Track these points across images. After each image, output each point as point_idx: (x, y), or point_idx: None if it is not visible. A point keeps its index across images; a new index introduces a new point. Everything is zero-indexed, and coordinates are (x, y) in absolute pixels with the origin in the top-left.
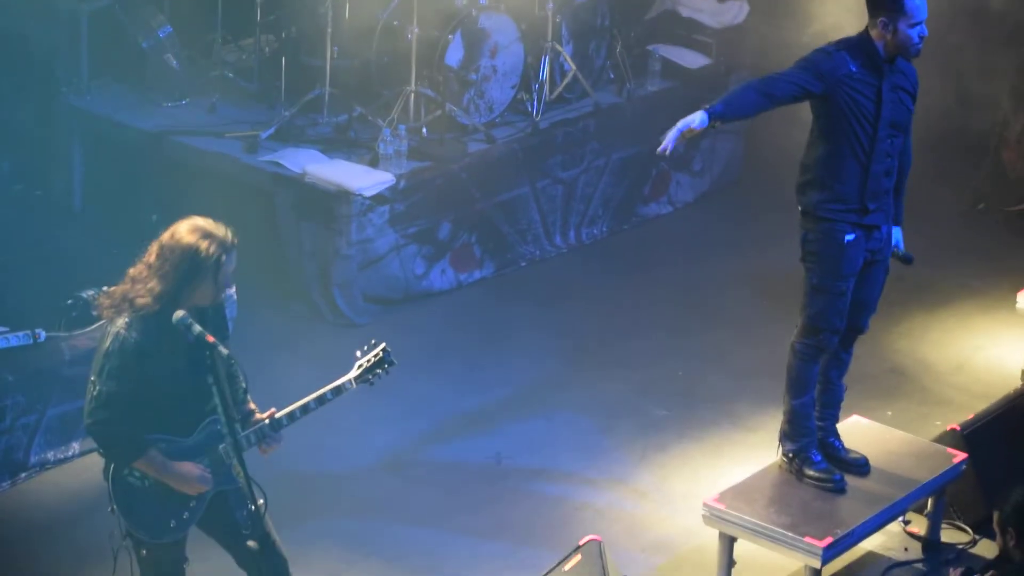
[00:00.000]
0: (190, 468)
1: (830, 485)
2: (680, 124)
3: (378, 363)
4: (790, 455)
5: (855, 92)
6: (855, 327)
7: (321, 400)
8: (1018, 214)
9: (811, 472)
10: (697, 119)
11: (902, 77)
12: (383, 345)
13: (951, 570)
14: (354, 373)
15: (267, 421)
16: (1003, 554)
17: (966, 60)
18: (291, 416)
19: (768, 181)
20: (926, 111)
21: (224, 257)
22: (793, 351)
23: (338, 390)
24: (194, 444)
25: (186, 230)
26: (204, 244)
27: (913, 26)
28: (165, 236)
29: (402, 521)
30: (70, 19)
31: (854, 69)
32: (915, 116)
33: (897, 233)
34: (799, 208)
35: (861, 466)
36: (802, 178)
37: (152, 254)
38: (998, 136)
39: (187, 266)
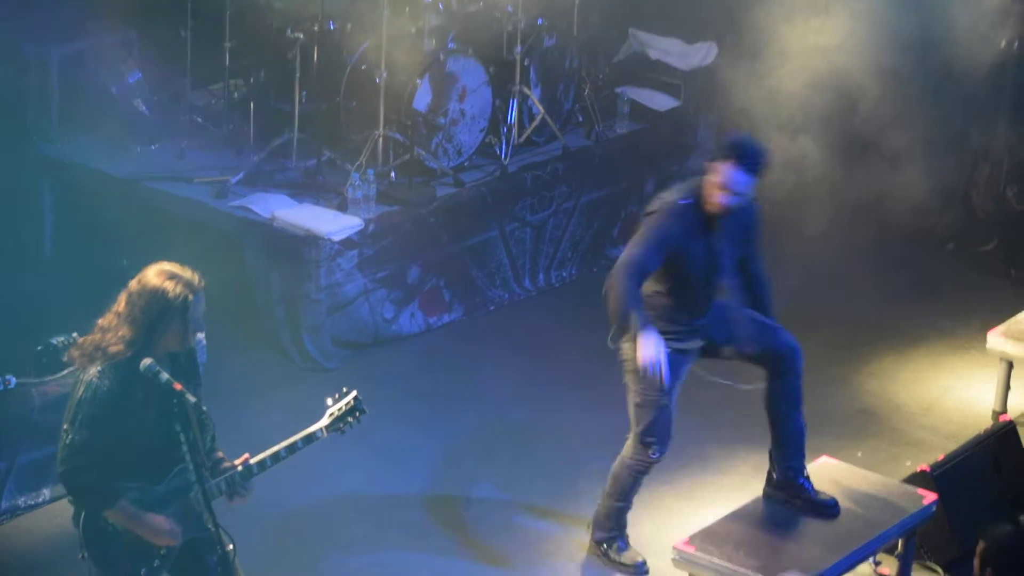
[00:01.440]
0: (160, 521)
1: (634, 572)
2: (653, 358)
3: (349, 411)
4: (600, 541)
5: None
6: (776, 353)
7: (292, 449)
8: (986, 254)
9: (618, 558)
10: (653, 338)
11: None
12: (354, 393)
13: None
14: (325, 422)
15: (238, 469)
16: None
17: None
18: (261, 465)
19: None
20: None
21: (191, 298)
22: (623, 463)
23: (309, 438)
24: (165, 492)
25: (153, 274)
26: (171, 286)
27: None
28: (133, 283)
29: (372, 566)
30: (39, 65)
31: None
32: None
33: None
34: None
35: (830, 507)
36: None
37: (121, 302)
38: (967, 178)
39: (156, 309)
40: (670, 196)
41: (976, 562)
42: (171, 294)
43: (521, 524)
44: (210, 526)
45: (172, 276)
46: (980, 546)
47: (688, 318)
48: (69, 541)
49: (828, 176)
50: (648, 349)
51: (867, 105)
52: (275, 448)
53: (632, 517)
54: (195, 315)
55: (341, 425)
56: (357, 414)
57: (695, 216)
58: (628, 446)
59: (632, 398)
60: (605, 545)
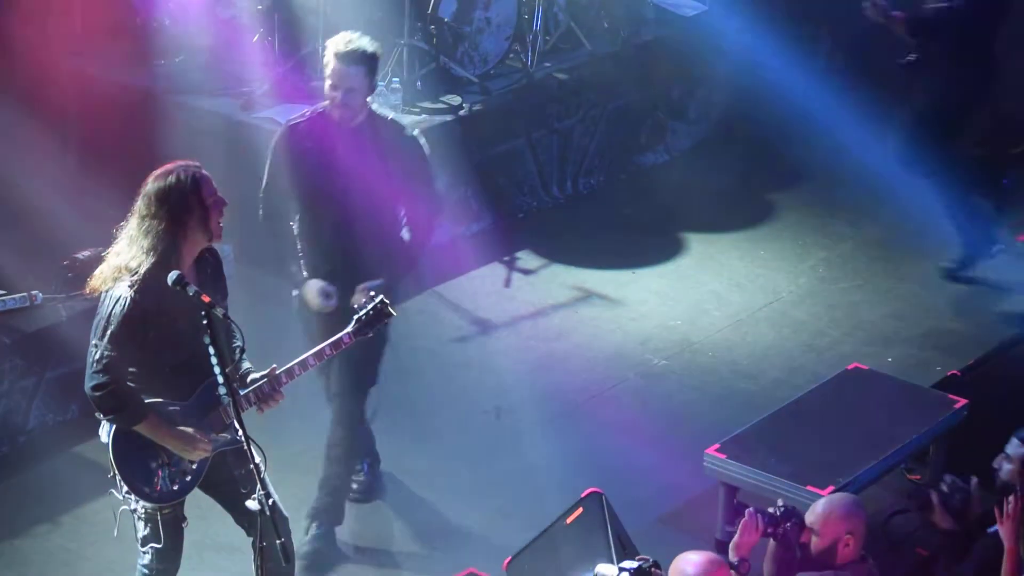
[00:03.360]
0: (191, 433)
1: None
2: None
3: (376, 316)
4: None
5: None
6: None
7: (319, 355)
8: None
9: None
10: None
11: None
12: (380, 298)
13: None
14: (351, 327)
15: (267, 379)
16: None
17: None
18: (289, 372)
19: (763, 128)
20: None
21: (196, 179)
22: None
23: (336, 344)
24: (193, 406)
25: (152, 178)
26: (171, 179)
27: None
28: (136, 199)
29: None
30: None
31: None
32: None
33: None
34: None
35: None
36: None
37: (132, 219)
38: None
39: (169, 205)
40: None
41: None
42: (175, 185)
43: (547, 430)
44: (240, 439)
45: (168, 170)
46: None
47: None
48: (97, 458)
49: None
50: None
51: None
52: (303, 356)
53: (664, 423)
54: (210, 192)
55: (369, 330)
56: (385, 319)
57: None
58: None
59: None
60: None
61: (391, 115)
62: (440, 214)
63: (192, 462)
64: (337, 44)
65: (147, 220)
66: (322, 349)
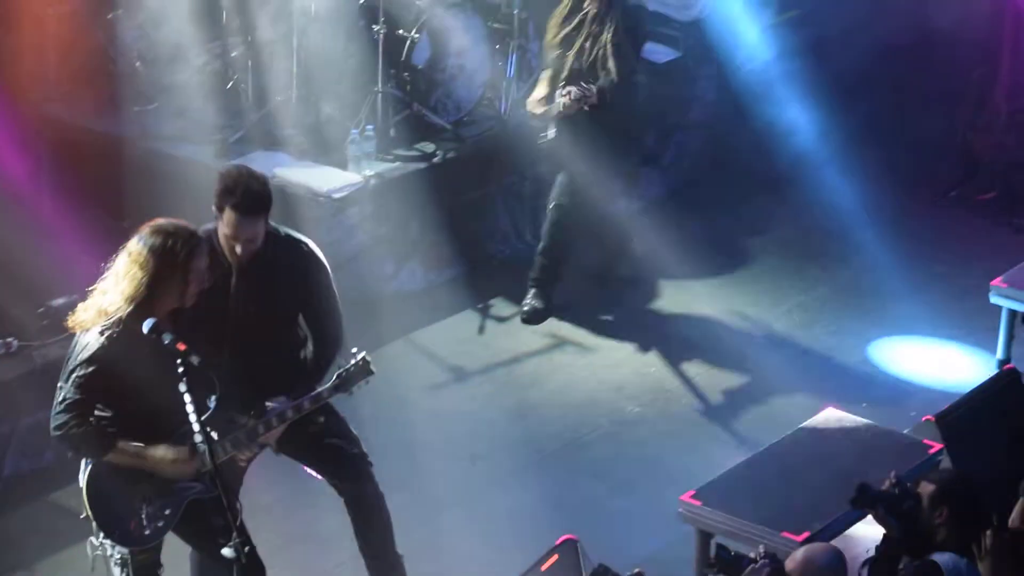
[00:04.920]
0: (164, 451)
1: None
2: None
3: (358, 373)
4: None
5: None
6: None
7: (298, 408)
8: (987, 202)
9: None
10: None
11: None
12: (363, 355)
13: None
14: (332, 382)
15: (244, 429)
16: (914, 526)
17: None
18: (267, 424)
19: (736, 173)
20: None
21: (192, 251)
22: None
23: (316, 398)
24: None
25: (151, 231)
26: (170, 240)
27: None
28: (131, 242)
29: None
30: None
31: None
32: None
33: None
34: None
35: None
36: None
37: (120, 262)
38: (969, 122)
39: (154, 264)
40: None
41: (926, 500)
42: (171, 248)
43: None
44: (216, 488)
45: (170, 231)
46: (928, 489)
47: None
48: (74, 504)
49: None
50: None
51: None
52: (280, 407)
53: (637, 469)
54: (197, 268)
55: (350, 387)
56: (367, 377)
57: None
58: None
59: None
60: None
61: (287, 233)
62: (338, 341)
63: (166, 507)
64: (233, 193)
65: (133, 267)
66: (301, 402)
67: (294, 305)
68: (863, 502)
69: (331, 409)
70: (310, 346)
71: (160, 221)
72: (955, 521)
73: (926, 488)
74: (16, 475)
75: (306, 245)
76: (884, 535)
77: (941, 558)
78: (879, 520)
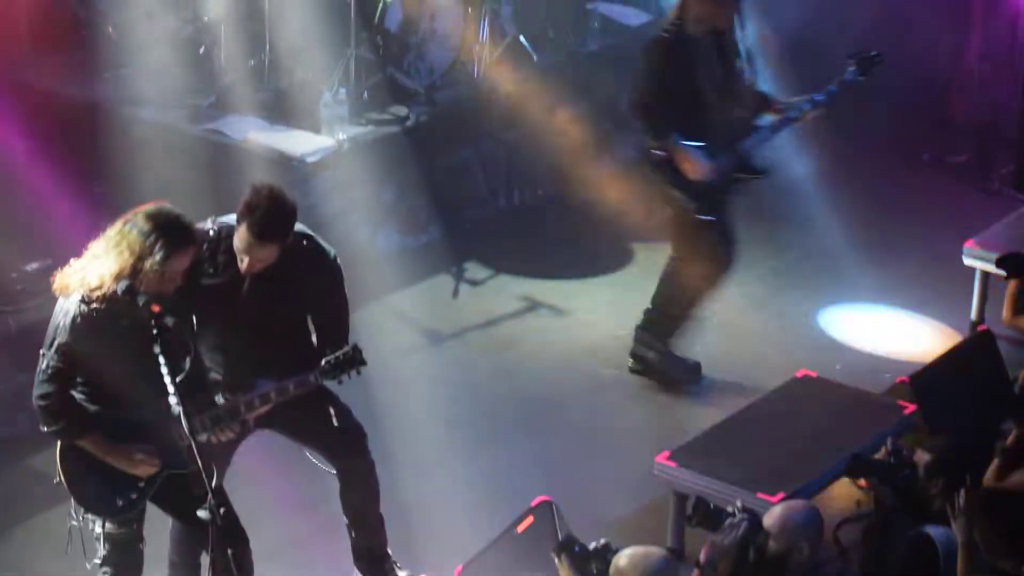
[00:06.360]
0: (135, 451)
1: None
2: None
3: (347, 362)
4: None
5: None
6: None
7: (282, 391)
8: (961, 164)
9: None
10: None
11: None
12: (353, 344)
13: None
14: (319, 368)
15: (223, 407)
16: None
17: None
18: (249, 404)
19: None
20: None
21: (169, 253)
22: None
23: (301, 383)
24: (147, 421)
25: (144, 216)
26: (153, 236)
27: None
28: (130, 215)
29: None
30: None
31: None
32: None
33: None
34: None
35: None
36: None
37: (112, 234)
38: (943, 83)
39: (138, 251)
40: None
41: (922, 468)
42: (152, 242)
43: (502, 439)
44: (193, 463)
45: (160, 223)
46: (924, 458)
47: None
48: (49, 470)
49: None
50: None
51: None
52: (264, 389)
53: (615, 433)
54: (172, 269)
55: (338, 375)
56: (357, 366)
57: None
58: None
59: None
60: None
61: (315, 243)
62: (341, 343)
63: (140, 479)
64: (253, 213)
65: (118, 244)
66: (286, 385)
67: (304, 310)
68: (857, 471)
69: (326, 391)
70: (313, 338)
71: (160, 208)
72: (952, 491)
73: (922, 457)
74: None
75: (330, 255)
76: (876, 501)
77: (935, 531)
78: (874, 489)
